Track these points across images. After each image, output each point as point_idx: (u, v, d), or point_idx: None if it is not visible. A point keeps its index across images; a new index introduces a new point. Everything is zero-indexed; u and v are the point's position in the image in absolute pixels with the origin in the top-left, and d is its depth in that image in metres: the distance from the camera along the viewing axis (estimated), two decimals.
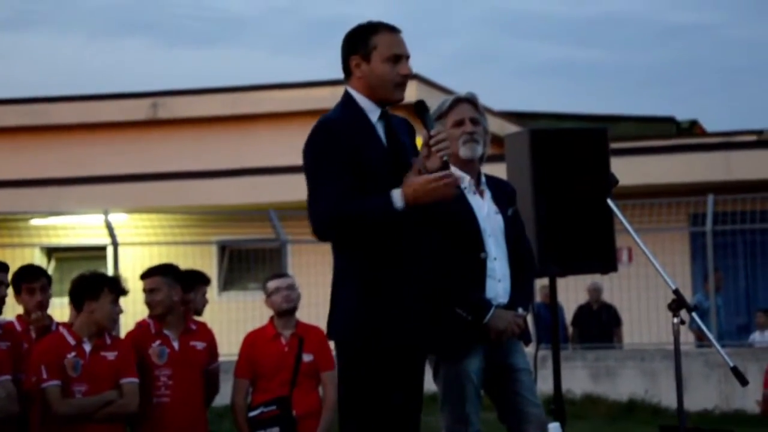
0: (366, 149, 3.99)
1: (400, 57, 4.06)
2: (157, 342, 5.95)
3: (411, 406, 4.07)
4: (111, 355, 5.65)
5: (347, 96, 4.12)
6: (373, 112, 4.08)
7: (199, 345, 6.07)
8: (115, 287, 5.70)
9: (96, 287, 5.64)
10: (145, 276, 6.05)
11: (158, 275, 6.00)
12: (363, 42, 4.06)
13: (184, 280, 6.13)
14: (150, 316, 6.07)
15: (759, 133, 21.98)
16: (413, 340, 4.01)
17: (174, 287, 6.00)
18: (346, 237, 3.97)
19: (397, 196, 3.91)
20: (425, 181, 3.91)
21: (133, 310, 6.77)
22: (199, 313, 6.35)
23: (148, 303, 6.01)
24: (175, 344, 5.98)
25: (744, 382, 4.59)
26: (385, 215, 3.91)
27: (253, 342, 6.53)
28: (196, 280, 6.31)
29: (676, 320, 4.69)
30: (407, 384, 4.05)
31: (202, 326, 6.21)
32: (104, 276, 5.82)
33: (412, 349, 4.03)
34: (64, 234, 14.78)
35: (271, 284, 6.52)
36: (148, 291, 6.00)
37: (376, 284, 3.94)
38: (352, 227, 3.93)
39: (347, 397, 4.01)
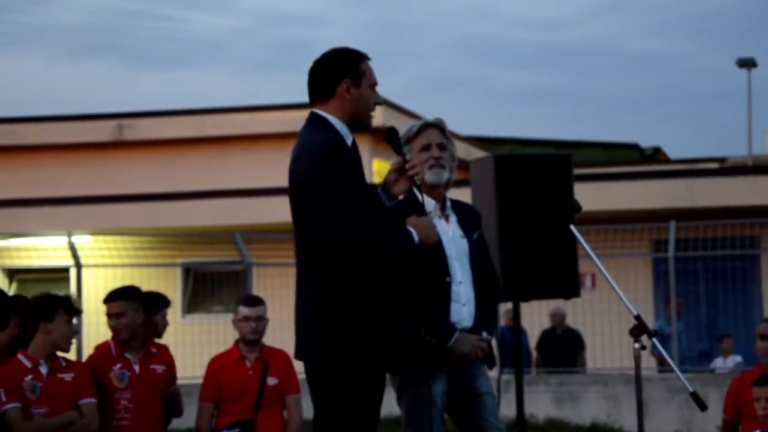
0: (353, 173, 4.09)
1: (376, 85, 4.22)
2: (118, 365, 5.92)
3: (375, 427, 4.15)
4: (68, 377, 5.64)
5: (323, 119, 4.17)
6: (348, 137, 4.17)
7: (159, 368, 6.04)
8: (70, 307, 5.67)
9: (51, 309, 5.61)
10: (109, 300, 6.00)
11: (123, 299, 5.97)
12: (354, 67, 4.15)
13: (146, 302, 6.11)
14: (113, 339, 6.04)
15: (721, 160, 22.24)
16: (390, 364, 4.13)
17: (138, 311, 5.98)
18: (366, 262, 4.02)
19: (413, 232, 4.11)
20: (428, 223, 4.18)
21: (96, 332, 6.74)
22: (160, 335, 6.33)
23: (114, 327, 5.96)
24: (136, 368, 5.95)
25: (703, 407, 4.63)
26: (407, 249, 4.10)
27: (217, 366, 6.52)
28: (157, 303, 6.30)
29: (637, 345, 4.74)
30: (377, 407, 4.13)
31: (163, 349, 6.18)
32: (58, 297, 5.77)
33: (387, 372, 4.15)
34: (27, 255, 14.67)
35: (242, 311, 6.49)
36: (114, 315, 5.95)
37: (362, 312, 4.00)
38: (377, 254, 4.03)
39: (324, 422, 4.06)
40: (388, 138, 4.24)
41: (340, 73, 4.14)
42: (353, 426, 4.03)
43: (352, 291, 4.00)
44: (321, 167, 4.00)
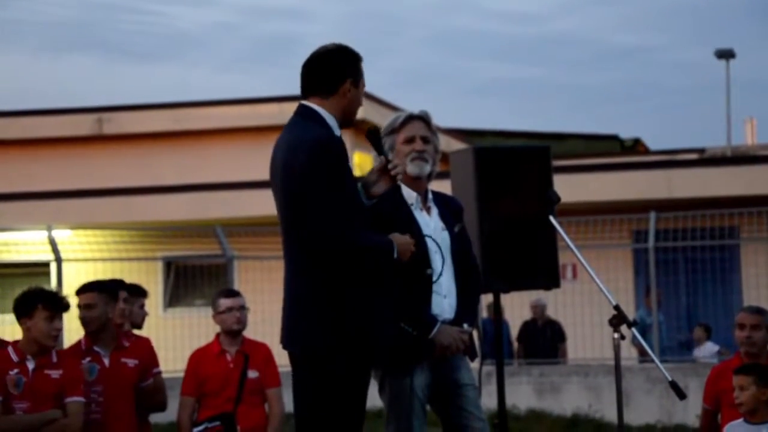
0: (347, 169, 4.18)
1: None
2: (87, 359, 5.88)
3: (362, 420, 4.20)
4: (55, 374, 5.56)
5: (315, 113, 4.22)
6: (337, 132, 4.24)
7: (131, 362, 5.98)
8: (51, 303, 5.57)
9: (29, 305, 5.54)
10: (80, 291, 5.94)
11: (94, 291, 5.93)
12: (356, 68, 4.26)
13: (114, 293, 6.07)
14: (86, 333, 6.00)
15: (700, 151, 22.33)
16: (381, 356, 4.20)
17: (109, 303, 5.95)
18: (347, 263, 4.09)
19: (396, 249, 4.18)
20: (407, 241, 4.23)
21: (77, 326, 6.72)
22: (139, 326, 6.30)
23: (83, 318, 5.90)
24: (106, 361, 5.90)
25: (681, 396, 4.67)
26: (387, 259, 4.16)
27: (198, 360, 6.53)
28: (133, 293, 6.27)
29: (616, 336, 4.77)
30: (362, 399, 4.18)
31: (137, 343, 6.11)
32: (39, 292, 5.65)
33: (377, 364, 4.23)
34: (6, 250, 14.60)
35: (224, 302, 6.50)
36: (84, 306, 5.90)
37: (354, 302, 4.07)
38: (360, 261, 4.11)
39: (310, 412, 4.10)
40: (370, 137, 4.29)
41: (345, 71, 4.22)
42: (338, 416, 4.06)
43: (342, 282, 4.07)
44: (321, 161, 4.06)
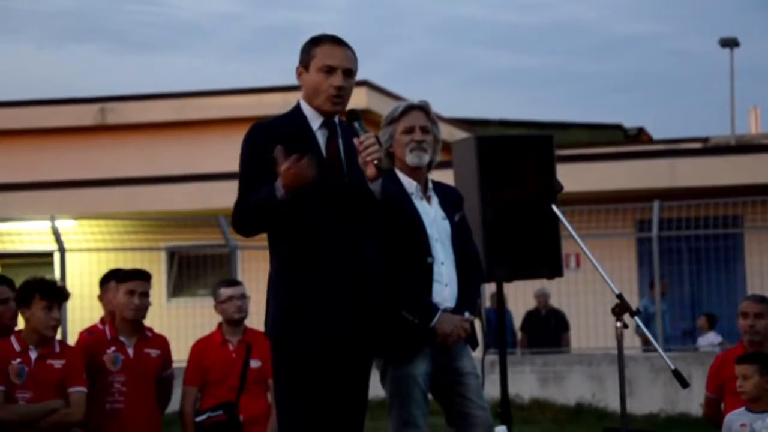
0: (300, 152, 4.02)
1: (334, 68, 4.13)
2: (112, 348, 5.89)
3: (349, 408, 4.17)
4: (58, 363, 5.57)
5: (297, 103, 4.27)
6: (315, 121, 4.20)
7: (154, 352, 6.01)
8: (49, 293, 5.55)
9: (26, 295, 5.55)
10: (138, 277, 5.93)
11: (148, 279, 5.94)
12: (306, 52, 4.21)
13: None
14: (108, 321, 5.99)
15: (704, 140, 22.29)
16: (337, 341, 4.10)
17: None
18: (249, 229, 4.13)
19: (279, 186, 4.01)
20: (284, 169, 3.99)
21: (80, 316, 6.73)
22: (143, 316, 6.31)
23: (137, 306, 5.89)
24: (130, 351, 5.92)
25: (684, 384, 4.66)
26: (270, 205, 4.02)
27: (201, 349, 6.54)
28: None
29: (619, 324, 4.77)
30: (341, 385, 4.13)
31: (157, 333, 6.15)
32: (36, 282, 5.63)
33: (337, 350, 4.11)
34: (10, 240, 14.62)
35: (225, 291, 6.51)
36: (141, 294, 5.90)
37: (295, 286, 4.07)
38: (250, 219, 4.09)
39: (278, 395, 4.18)
40: (349, 120, 4.23)
41: (299, 60, 4.23)
42: (289, 405, 4.08)
43: (279, 264, 4.11)
44: (242, 149, 4.19)
